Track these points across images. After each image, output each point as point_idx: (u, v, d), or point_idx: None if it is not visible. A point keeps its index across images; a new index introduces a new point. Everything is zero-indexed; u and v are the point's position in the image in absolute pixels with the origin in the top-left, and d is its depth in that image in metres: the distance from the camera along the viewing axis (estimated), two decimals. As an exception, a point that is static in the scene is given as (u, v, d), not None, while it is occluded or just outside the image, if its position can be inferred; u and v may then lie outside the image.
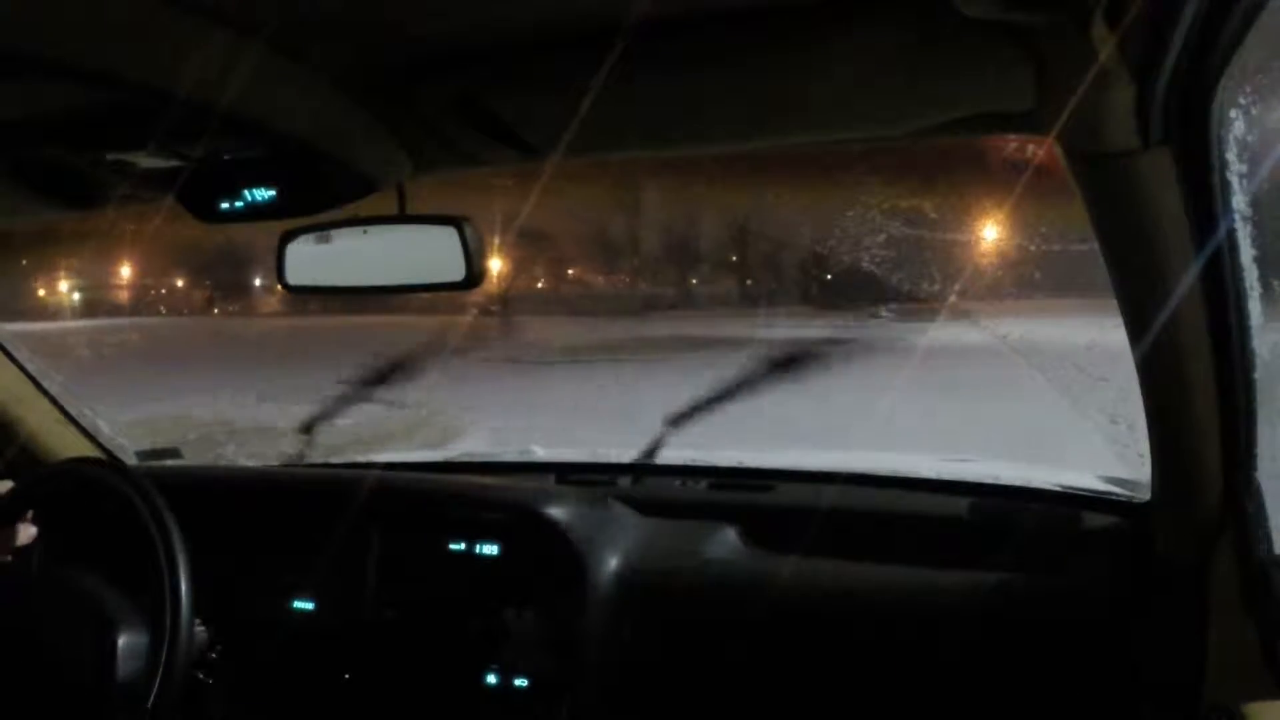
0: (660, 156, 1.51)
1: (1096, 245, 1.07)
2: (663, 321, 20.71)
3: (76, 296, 22.20)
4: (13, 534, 1.50)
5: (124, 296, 23.01)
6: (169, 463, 2.18)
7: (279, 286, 1.37)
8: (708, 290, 29.41)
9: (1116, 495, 1.53)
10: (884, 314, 18.40)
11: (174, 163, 1.15)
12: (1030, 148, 1.08)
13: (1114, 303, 1.11)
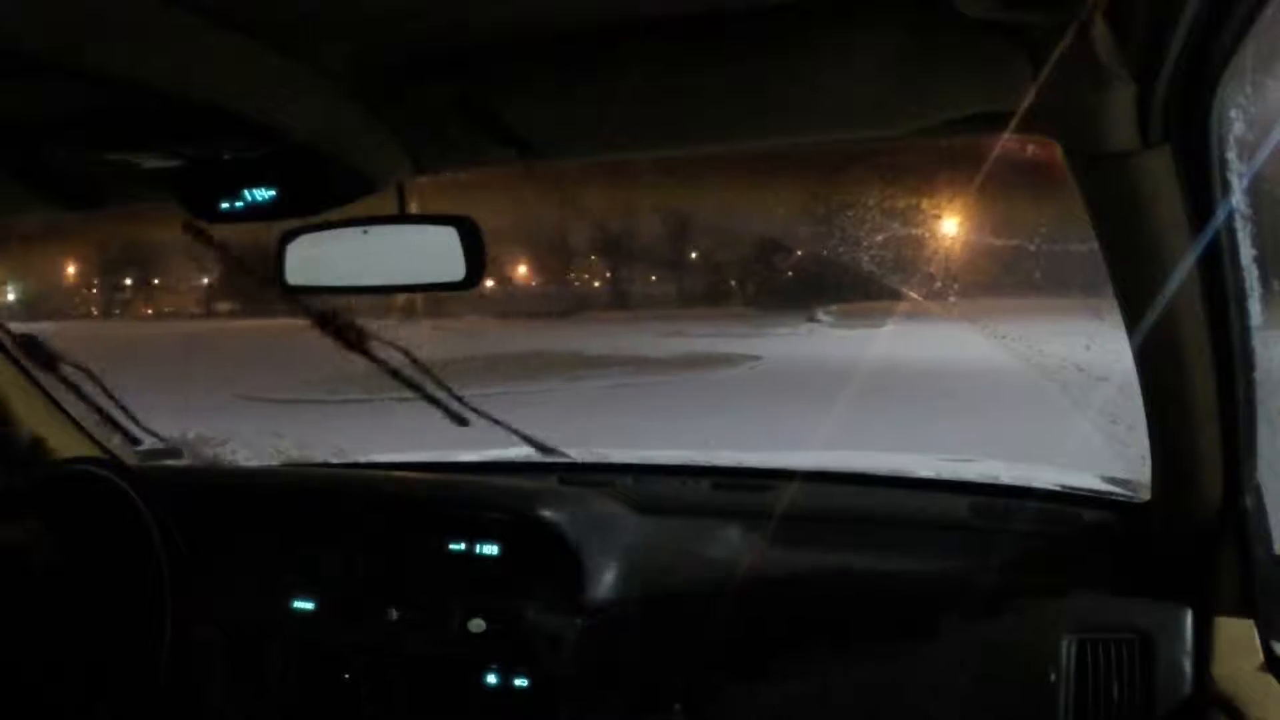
0: (660, 156, 1.51)
1: (1096, 245, 1.08)
2: (570, 329, 19.39)
3: None
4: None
5: None
6: (169, 463, 2.18)
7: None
8: (643, 290, 29.27)
9: (1116, 495, 1.53)
10: (822, 317, 17.77)
11: (174, 163, 1.15)
12: (1031, 147, 1.08)
13: (1112, 302, 1.12)
